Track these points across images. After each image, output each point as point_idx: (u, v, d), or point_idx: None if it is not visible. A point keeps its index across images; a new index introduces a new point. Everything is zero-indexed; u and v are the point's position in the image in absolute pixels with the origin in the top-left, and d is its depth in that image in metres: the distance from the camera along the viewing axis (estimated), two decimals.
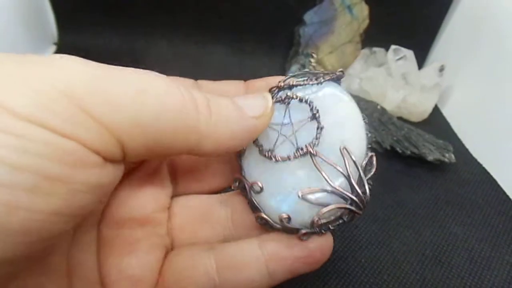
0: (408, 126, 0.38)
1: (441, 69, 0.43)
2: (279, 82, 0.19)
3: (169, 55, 0.43)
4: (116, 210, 0.19)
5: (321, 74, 0.19)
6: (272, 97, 0.18)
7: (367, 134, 0.19)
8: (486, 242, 0.29)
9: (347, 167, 0.17)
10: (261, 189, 0.18)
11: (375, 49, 0.45)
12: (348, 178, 0.17)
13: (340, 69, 0.20)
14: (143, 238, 0.19)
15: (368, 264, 0.26)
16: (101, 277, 0.17)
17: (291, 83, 0.19)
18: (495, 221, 0.31)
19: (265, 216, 0.18)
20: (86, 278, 0.17)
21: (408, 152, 0.36)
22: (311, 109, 0.18)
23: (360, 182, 0.18)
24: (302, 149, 0.17)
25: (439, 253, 0.28)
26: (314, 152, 0.17)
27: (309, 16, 0.43)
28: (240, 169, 0.19)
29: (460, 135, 0.42)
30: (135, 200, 0.19)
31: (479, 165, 0.37)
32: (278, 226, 0.18)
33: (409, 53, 0.43)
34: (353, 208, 0.17)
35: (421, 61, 0.48)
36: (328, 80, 0.19)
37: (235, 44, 0.45)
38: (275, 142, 0.18)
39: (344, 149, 0.17)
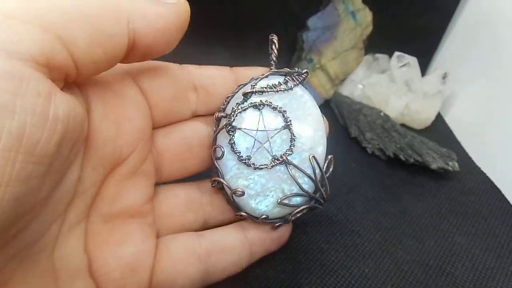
0: (411, 134, 0.38)
1: (444, 76, 0.43)
2: (252, 86, 0.21)
3: (169, 60, 0.43)
4: (108, 204, 0.19)
5: (289, 78, 0.22)
6: (246, 101, 0.21)
7: (325, 132, 0.22)
8: (490, 253, 0.29)
9: (315, 172, 0.21)
10: (242, 193, 0.21)
11: (378, 55, 0.44)
12: (315, 182, 0.21)
13: (305, 70, 0.22)
14: (136, 228, 0.20)
15: (371, 274, 0.26)
16: (92, 268, 0.18)
17: (264, 89, 0.21)
18: (499, 231, 0.31)
19: (245, 215, 0.22)
20: (73, 270, 0.17)
21: (412, 160, 0.36)
22: (285, 119, 0.21)
23: (322, 181, 0.22)
24: (278, 159, 0.20)
25: (443, 263, 0.28)
26: (289, 162, 0.20)
27: (313, 22, 0.42)
28: (217, 171, 0.21)
29: (464, 143, 0.41)
30: (126, 194, 0.20)
31: (482, 174, 0.37)
32: (256, 221, 0.22)
33: (412, 60, 0.43)
34: (317, 205, 0.22)
35: (424, 68, 0.48)
36: (297, 84, 0.21)
37: (237, 49, 0.45)
38: (252, 149, 0.21)
39: (313, 158, 0.21)
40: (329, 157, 0.22)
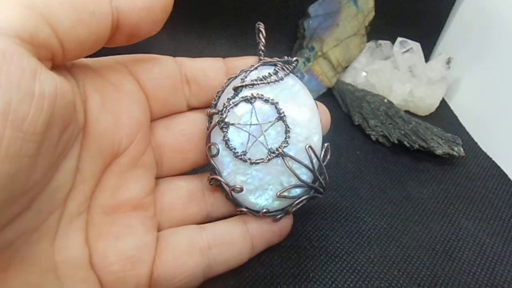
0: (415, 120, 0.38)
1: (448, 61, 0.43)
2: (242, 79, 0.21)
3: (170, 49, 0.42)
4: (108, 195, 0.19)
5: (279, 67, 0.21)
6: (237, 95, 0.20)
7: (320, 120, 0.22)
8: (498, 237, 0.29)
9: (312, 162, 0.21)
10: (241, 189, 0.21)
11: (381, 41, 0.44)
12: (313, 172, 0.21)
13: (295, 58, 0.22)
14: (137, 221, 0.20)
15: (377, 259, 0.26)
16: (92, 260, 0.18)
17: (254, 82, 0.20)
18: (506, 215, 0.31)
19: (245, 210, 0.22)
20: (74, 261, 0.17)
21: (416, 146, 0.35)
22: (278, 111, 0.20)
23: (320, 170, 0.21)
24: (274, 152, 0.20)
25: (450, 248, 0.27)
26: (285, 154, 0.20)
27: (314, 9, 0.42)
28: (214, 169, 0.21)
29: (469, 128, 0.41)
30: (127, 186, 0.20)
31: (488, 158, 0.36)
32: (257, 215, 0.22)
33: (415, 46, 0.42)
34: (317, 195, 0.22)
35: (428, 54, 0.47)
36: (288, 73, 0.21)
37: (238, 38, 0.44)
38: (247, 144, 0.20)
39: (309, 148, 0.20)
40: (325, 145, 0.21)
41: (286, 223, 0.23)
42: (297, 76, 0.22)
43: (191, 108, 0.23)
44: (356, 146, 0.37)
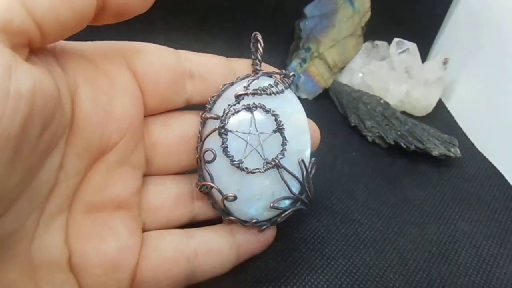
0: (412, 121, 0.38)
1: (445, 62, 0.42)
2: (245, 87, 0.21)
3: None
4: (92, 194, 0.18)
5: (279, 79, 0.21)
6: (239, 102, 0.20)
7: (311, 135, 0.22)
8: (494, 239, 0.28)
9: (303, 175, 0.21)
10: (235, 198, 0.20)
11: (377, 42, 0.44)
12: (303, 185, 0.21)
13: (292, 73, 0.22)
14: (120, 222, 0.19)
15: (373, 262, 0.26)
16: (71, 261, 0.17)
17: (257, 92, 0.20)
18: (503, 217, 0.30)
19: (234, 219, 0.21)
20: (52, 263, 0.16)
21: (413, 147, 0.35)
22: (277, 123, 0.20)
23: (308, 183, 0.22)
24: (270, 163, 0.20)
25: (446, 250, 0.27)
26: (281, 166, 0.20)
27: (310, 10, 0.42)
28: (209, 176, 0.21)
29: (465, 129, 0.41)
30: (113, 184, 0.19)
31: (485, 159, 0.36)
32: (246, 225, 0.22)
33: (412, 46, 0.42)
34: (303, 207, 0.22)
35: (424, 54, 0.47)
36: (287, 87, 0.22)
37: (234, 40, 0.44)
38: (244, 153, 0.20)
39: (302, 161, 0.21)
40: (312, 159, 0.22)
41: (270, 233, 0.23)
42: (292, 90, 0.22)
43: (190, 104, 0.22)
44: (352, 147, 0.37)
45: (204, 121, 0.21)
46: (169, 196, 0.22)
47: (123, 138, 0.18)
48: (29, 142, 0.13)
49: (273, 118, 0.20)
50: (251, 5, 0.43)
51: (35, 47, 0.15)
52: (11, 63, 0.12)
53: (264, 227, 0.22)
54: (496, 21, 0.40)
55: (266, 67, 0.23)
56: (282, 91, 0.21)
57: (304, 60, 0.42)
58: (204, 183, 0.21)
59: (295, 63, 0.42)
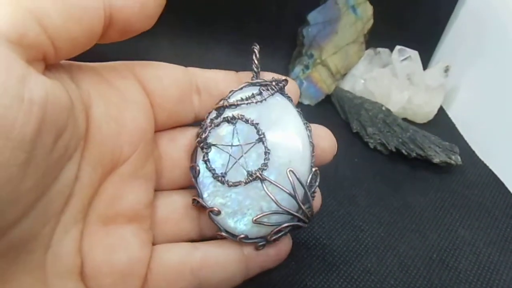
0: (413, 128, 0.38)
1: (446, 69, 0.43)
2: (223, 100, 0.20)
3: (171, 56, 0.43)
4: (106, 205, 0.18)
5: (265, 87, 0.20)
6: (220, 116, 0.20)
7: (311, 143, 0.20)
8: (494, 246, 0.29)
9: (294, 187, 0.19)
10: (219, 212, 0.20)
11: (380, 49, 0.44)
12: (294, 198, 0.19)
13: (284, 78, 0.21)
14: (132, 234, 0.19)
15: (374, 268, 0.26)
16: (84, 271, 0.18)
17: (236, 103, 0.20)
18: (503, 224, 0.31)
19: (225, 235, 0.20)
20: (64, 271, 0.17)
21: (414, 154, 0.35)
22: (257, 132, 0.20)
23: (305, 198, 0.20)
24: (251, 175, 0.19)
25: (446, 257, 0.27)
26: (263, 178, 0.19)
27: (313, 16, 0.42)
28: (196, 190, 0.21)
29: (466, 136, 0.41)
30: (126, 196, 0.19)
31: (486, 167, 0.37)
32: (235, 239, 0.20)
33: (414, 54, 0.42)
34: (299, 223, 0.20)
35: (426, 62, 0.48)
36: (273, 93, 0.20)
37: (238, 44, 0.44)
38: (227, 166, 0.20)
39: (290, 172, 0.19)
40: (314, 169, 0.20)
41: (283, 248, 0.22)
42: (287, 97, 0.21)
43: (199, 120, 0.22)
44: (354, 153, 0.37)
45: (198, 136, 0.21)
46: (176, 210, 0.22)
47: (136, 151, 0.19)
48: (43, 148, 0.14)
49: (253, 127, 0.20)
50: (255, 11, 0.43)
51: (49, 63, 0.15)
52: (24, 73, 0.13)
53: (260, 244, 0.21)
54: (497, 29, 0.40)
55: (264, 74, 0.23)
56: (265, 99, 0.20)
57: (307, 67, 0.42)
58: (194, 197, 0.21)
59: (298, 69, 0.43)
